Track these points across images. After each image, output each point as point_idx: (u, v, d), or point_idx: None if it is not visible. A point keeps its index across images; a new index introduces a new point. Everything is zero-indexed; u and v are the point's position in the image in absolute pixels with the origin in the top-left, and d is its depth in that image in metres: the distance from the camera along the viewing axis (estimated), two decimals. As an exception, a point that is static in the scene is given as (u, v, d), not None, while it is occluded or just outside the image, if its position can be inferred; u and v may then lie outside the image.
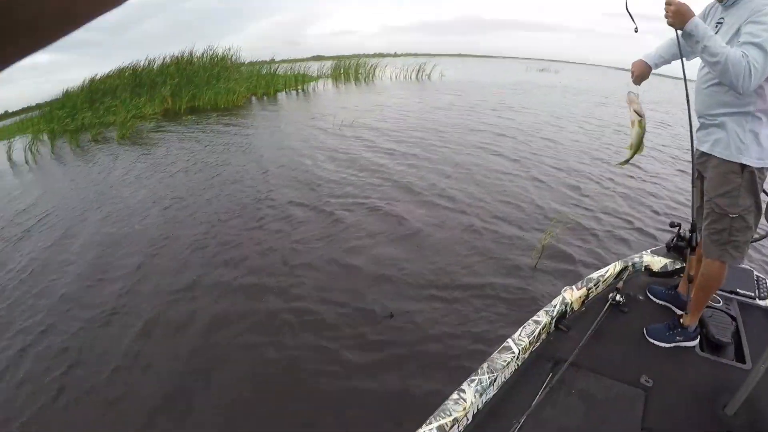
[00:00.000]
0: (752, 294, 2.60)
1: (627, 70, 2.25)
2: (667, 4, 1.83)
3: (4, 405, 2.46)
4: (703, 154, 2.02)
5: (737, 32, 1.77)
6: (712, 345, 2.18)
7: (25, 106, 19.40)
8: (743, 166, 1.86)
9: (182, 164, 7.00)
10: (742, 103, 1.81)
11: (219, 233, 4.37)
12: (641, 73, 2.18)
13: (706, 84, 1.92)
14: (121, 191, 5.95)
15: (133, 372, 2.62)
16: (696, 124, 2.05)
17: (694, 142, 2.04)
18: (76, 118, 11.71)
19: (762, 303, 2.57)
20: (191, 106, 13.77)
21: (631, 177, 6.12)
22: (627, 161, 2.24)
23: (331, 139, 8.35)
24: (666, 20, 1.86)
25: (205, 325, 2.97)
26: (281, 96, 16.97)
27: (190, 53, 16.63)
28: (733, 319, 2.35)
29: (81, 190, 6.24)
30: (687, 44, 1.89)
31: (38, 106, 16.14)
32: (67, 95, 14.36)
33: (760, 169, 1.86)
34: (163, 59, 16.00)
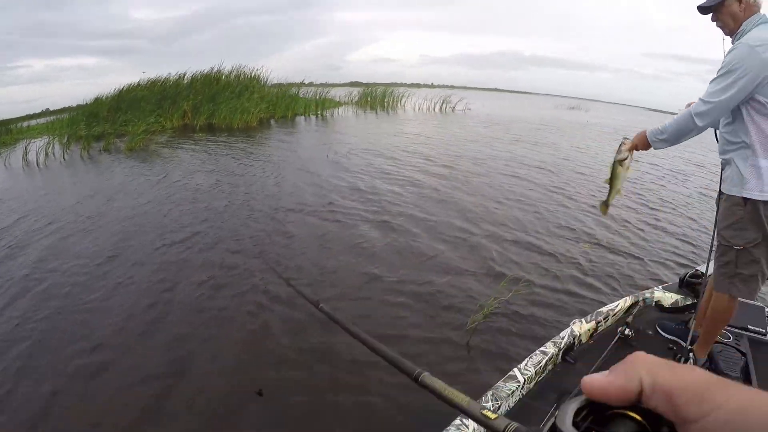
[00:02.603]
0: (763, 330, 2.60)
1: (660, 111, 2.34)
2: (630, 150, 2.17)
3: None
4: (721, 192, 2.14)
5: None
6: None
7: (66, 105, 20.32)
8: (746, 200, 1.95)
9: (160, 191, 6.76)
10: (737, 139, 1.96)
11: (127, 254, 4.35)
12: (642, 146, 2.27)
13: (720, 128, 2.10)
14: (88, 208, 5.93)
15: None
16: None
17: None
18: (93, 126, 12.11)
19: None
20: (209, 124, 14.13)
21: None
22: (607, 204, 2.33)
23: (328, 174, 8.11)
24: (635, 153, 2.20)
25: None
26: (300, 120, 17.23)
27: (219, 70, 17.09)
28: (743, 354, 2.36)
29: (58, 203, 6.29)
30: (665, 146, 2.14)
31: (71, 109, 16.79)
32: (97, 101, 14.92)
33: (765, 203, 1.91)
34: (192, 75, 16.55)
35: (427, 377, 1.33)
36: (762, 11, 1.97)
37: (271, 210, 5.77)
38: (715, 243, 2.14)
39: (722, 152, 2.10)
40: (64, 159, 9.75)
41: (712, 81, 1.91)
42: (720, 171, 2.17)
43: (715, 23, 2.06)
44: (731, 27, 2.00)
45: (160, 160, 9.11)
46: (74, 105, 17.75)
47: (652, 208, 6.87)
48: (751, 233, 1.97)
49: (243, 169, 8.10)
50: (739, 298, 2.13)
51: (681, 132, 2.03)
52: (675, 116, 2.04)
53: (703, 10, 2.06)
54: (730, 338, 2.47)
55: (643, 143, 2.16)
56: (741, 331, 2.57)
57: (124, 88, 15.26)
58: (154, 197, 6.35)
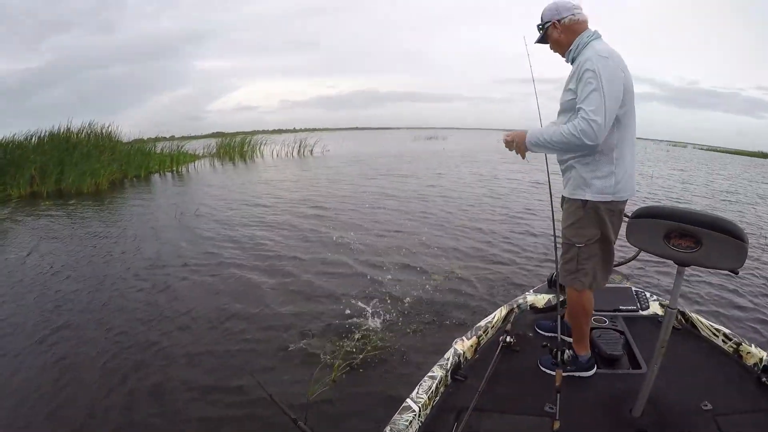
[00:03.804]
0: (634, 307, 2.84)
1: (512, 129, 2.27)
2: (507, 144, 2.22)
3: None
4: (564, 197, 2.24)
5: (566, 88, 2.07)
6: (606, 360, 2.32)
7: None
8: (585, 201, 2.07)
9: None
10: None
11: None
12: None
13: None
14: None
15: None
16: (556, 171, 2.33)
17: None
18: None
19: (645, 313, 2.82)
20: (58, 189, 14.09)
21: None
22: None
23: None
24: (516, 153, 2.21)
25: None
26: (155, 178, 17.63)
27: (68, 129, 17.10)
28: (621, 333, 2.52)
29: None
30: (540, 151, 2.15)
31: None
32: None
33: (605, 203, 2.06)
34: (39, 135, 16.35)
35: None
36: (590, 27, 2.09)
37: (129, 281, 5.61)
38: (559, 242, 2.24)
39: (561, 160, 2.19)
40: None
41: (586, 96, 1.87)
42: (562, 175, 2.26)
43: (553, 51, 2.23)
44: (561, 50, 2.18)
45: (5, 236, 8.84)
46: None
47: (515, 219, 8.37)
48: (591, 231, 2.09)
49: (95, 241, 8.02)
50: (607, 284, 2.27)
51: (563, 149, 2.02)
52: (555, 131, 1.96)
53: (540, 41, 2.25)
54: (606, 322, 2.64)
55: (521, 144, 2.15)
56: (615, 313, 2.78)
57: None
58: None
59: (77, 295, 5.18)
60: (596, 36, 2.02)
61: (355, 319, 4.18)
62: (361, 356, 3.50)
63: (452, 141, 41.94)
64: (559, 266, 2.29)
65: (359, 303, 4.49)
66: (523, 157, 2.23)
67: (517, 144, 2.17)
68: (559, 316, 2.44)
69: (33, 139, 16.24)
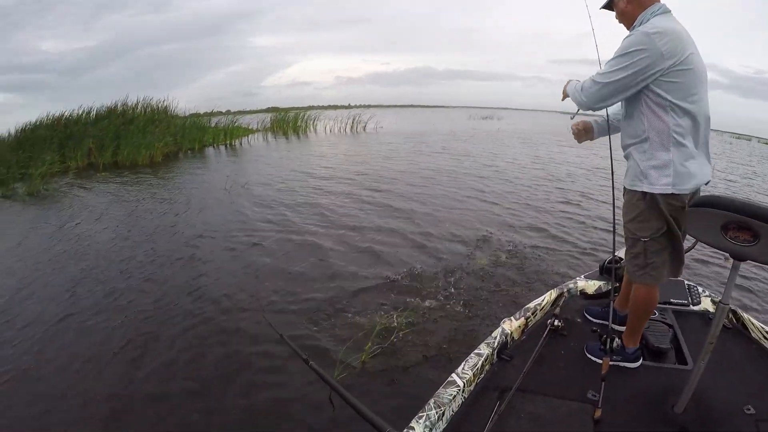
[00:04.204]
0: (685, 301, 2.81)
1: (569, 113, 2.50)
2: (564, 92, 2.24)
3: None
4: (624, 188, 2.19)
5: None
6: (653, 353, 2.32)
7: None
8: (645, 193, 2.00)
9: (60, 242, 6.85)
10: (635, 132, 2.01)
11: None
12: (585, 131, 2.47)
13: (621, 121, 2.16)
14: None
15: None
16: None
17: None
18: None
19: (695, 308, 2.78)
20: (114, 161, 14.33)
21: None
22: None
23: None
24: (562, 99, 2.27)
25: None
26: (209, 151, 17.68)
27: (124, 104, 17.30)
28: (670, 326, 2.52)
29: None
30: (571, 98, 2.18)
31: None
32: (-3, 143, 14.62)
33: (664, 195, 1.96)
34: (96, 110, 16.64)
35: None
36: (662, 1, 1.99)
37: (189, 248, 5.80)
38: (624, 236, 2.19)
39: (623, 146, 2.15)
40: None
41: (606, 62, 1.94)
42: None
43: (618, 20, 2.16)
44: (626, 21, 2.08)
45: (61, 204, 9.42)
46: None
47: (571, 203, 8.05)
48: (655, 224, 2.01)
49: (146, 208, 8.39)
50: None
51: (576, 103, 2.10)
52: (574, 84, 2.10)
53: (605, 7, 2.18)
54: (655, 314, 2.61)
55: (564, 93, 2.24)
56: (665, 306, 2.77)
57: (26, 127, 15.17)
58: (56, 250, 6.06)
59: (132, 258, 5.51)
60: (662, 11, 1.92)
61: (405, 287, 4.34)
62: (404, 326, 3.57)
63: (507, 121, 40.40)
64: (626, 261, 2.24)
65: (411, 272, 4.68)
66: (562, 99, 2.26)
67: (563, 89, 2.23)
68: (611, 303, 2.37)
69: (91, 114, 16.51)
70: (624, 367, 2.21)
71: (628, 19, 2.04)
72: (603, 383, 1.95)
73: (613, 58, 1.89)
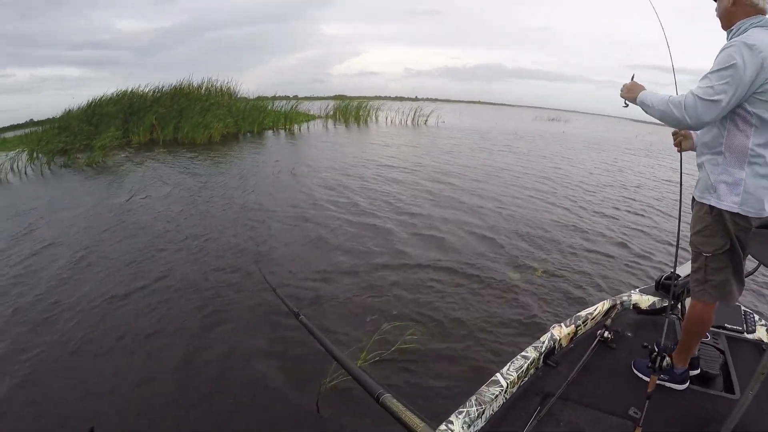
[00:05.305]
0: (740, 328, 2.69)
1: (641, 121, 2.54)
2: (624, 89, 2.10)
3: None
4: (693, 198, 2.09)
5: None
6: (700, 377, 2.23)
7: (50, 116, 20.31)
8: (713, 207, 1.92)
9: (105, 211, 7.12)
10: (711, 144, 1.91)
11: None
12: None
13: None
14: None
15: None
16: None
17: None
18: (58, 141, 12.36)
19: (750, 336, 2.66)
20: (174, 138, 14.46)
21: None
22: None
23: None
24: (620, 95, 2.13)
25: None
26: (268, 134, 17.59)
27: (189, 84, 17.53)
28: (722, 352, 2.42)
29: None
30: (643, 109, 2.02)
31: (51, 120, 16.89)
32: (68, 114, 15.14)
33: (731, 213, 1.87)
34: (161, 88, 16.93)
35: (388, 399, 1.43)
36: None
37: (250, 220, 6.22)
38: (690, 248, 2.11)
39: (697, 154, 2.07)
40: (26, 174, 10.11)
41: (705, 77, 1.77)
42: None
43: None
44: (724, 22, 1.96)
45: (114, 175, 9.55)
46: (58, 116, 17.95)
47: (636, 213, 7.65)
48: (719, 240, 1.93)
49: (193, 184, 8.48)
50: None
51: (662, 118, 1.91)
52: (662, 98, 1.88)
53: None
54: (708, 337, 2.51)
55: (633, 97, 2.07)
56: (719, 330, 2.64)
57: (94, 101, 15.52)
58: (104, 218, 6.48)
59: (181, 227, 6.00)
60: (762, 24, 1.78)
61: (466, 276, 4.50)
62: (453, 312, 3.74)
63: (574, 124, 38.00)
64: (690, 274, 2.13)
65: (475, 262, 4.84)
66: (625, 104, 2.12)
67: (629, 90, 2.07)
68: (666, 321, 2.28)
69: (156, 92, 16.77)
70: (669, 387, 2.14)
71: (727, 20, 1.92)
72: (647, 401, 1.87)
73: (715, 71, 1.73)
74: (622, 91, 2.11)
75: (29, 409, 2.68)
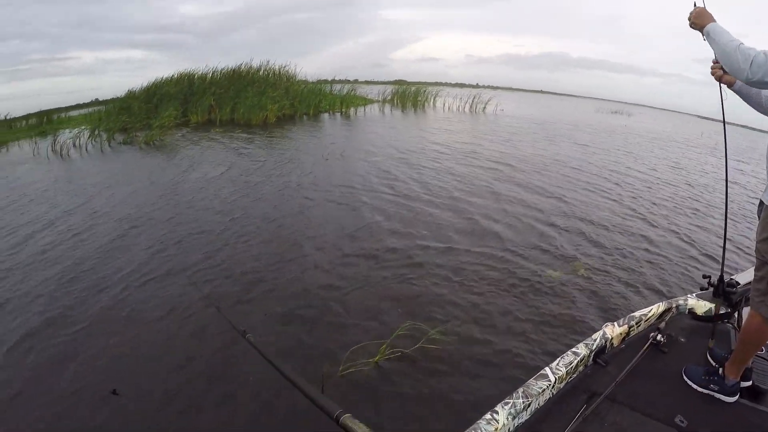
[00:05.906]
0: None
1: (709, 118, 2.30)
2: (692, 16, 1.95)
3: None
4: (762, 202, 1.99)
5: None
6: (751, 391, 2.13)
7: (114, 96, 21.12)
8: None
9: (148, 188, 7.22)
10: None
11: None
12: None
13: None
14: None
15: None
16: None
17: None
18: (120, 119, 12.51)
19: None
20: (231, 119, 14.43)
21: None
22: None
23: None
24: (689, 23, 1.98)
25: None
26: (324, 117, 17.32)
27: (248, 66, 17.47)
28: None
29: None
30: (708, 42, 1.90)
31: (114, 100, 17.38)
32: (129, 94, 15.44)
33: None
34: (220, 71, 16.95)
35: (348, 419, 1.34)
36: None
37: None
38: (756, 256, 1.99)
39: (766, 156, 1.98)
40: (87, 150, 10.22)
41: None
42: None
43: None
44: None
45: (172, 154, 9.54)
46: (122, 96, 18.56)
47: (701, 214, 7.18)
48: None
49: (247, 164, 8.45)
50: None
51: (722, 58, 1.77)
52: (732, 39, 1.74)
53: None
54: (763, 350, 2.38)
55: (700, 24, 1.92)
56: None
57: (155, 82, 15.75)
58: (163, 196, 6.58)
59: (235, 202, 6.26)
60: None
61: (521, 268, 4.44)
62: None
63: (637, 118, 35.79)
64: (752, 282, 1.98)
65: (531, 256, 4.77)
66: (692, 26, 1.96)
67: (697, 15, 1.91)
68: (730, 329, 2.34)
69: (215, 74, 16.78)
70: (718, 399, 2.02)
71: None
72: (695, 411, 1.87)
73: None
74: (690, 15, 1.96)
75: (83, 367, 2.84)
